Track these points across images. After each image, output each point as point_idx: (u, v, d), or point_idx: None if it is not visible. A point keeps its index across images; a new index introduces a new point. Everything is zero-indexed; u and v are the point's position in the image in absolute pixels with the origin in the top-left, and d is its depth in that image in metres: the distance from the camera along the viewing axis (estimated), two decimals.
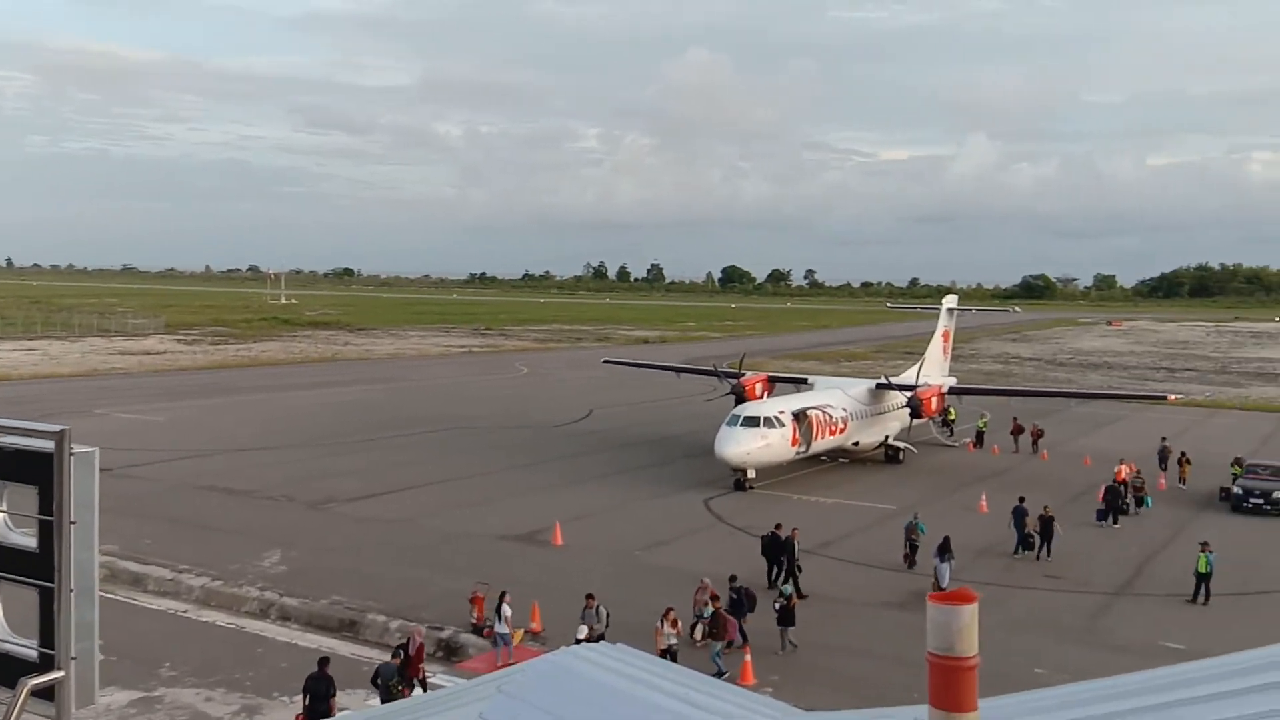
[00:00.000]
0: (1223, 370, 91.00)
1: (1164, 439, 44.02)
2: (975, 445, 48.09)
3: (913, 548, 28.20)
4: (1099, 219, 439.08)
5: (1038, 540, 29.23)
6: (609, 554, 28.77)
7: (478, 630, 22.00)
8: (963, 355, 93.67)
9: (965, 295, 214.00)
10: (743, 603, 21.91)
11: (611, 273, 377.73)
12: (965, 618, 4.70)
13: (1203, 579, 25.15)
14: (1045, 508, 29.95)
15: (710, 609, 21.53)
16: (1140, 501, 35.72)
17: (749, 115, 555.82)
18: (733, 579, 22.75)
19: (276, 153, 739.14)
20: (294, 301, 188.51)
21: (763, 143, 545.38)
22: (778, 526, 26.82)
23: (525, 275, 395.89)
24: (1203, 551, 25.44)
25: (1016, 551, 29.46)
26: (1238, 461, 39.72)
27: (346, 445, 44.78)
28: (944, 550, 26.09)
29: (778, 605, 21.77)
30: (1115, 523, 33.35)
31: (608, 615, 20.82)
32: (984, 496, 35.41)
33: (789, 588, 22.43)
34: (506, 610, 20.93)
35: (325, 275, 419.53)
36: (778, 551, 26.14)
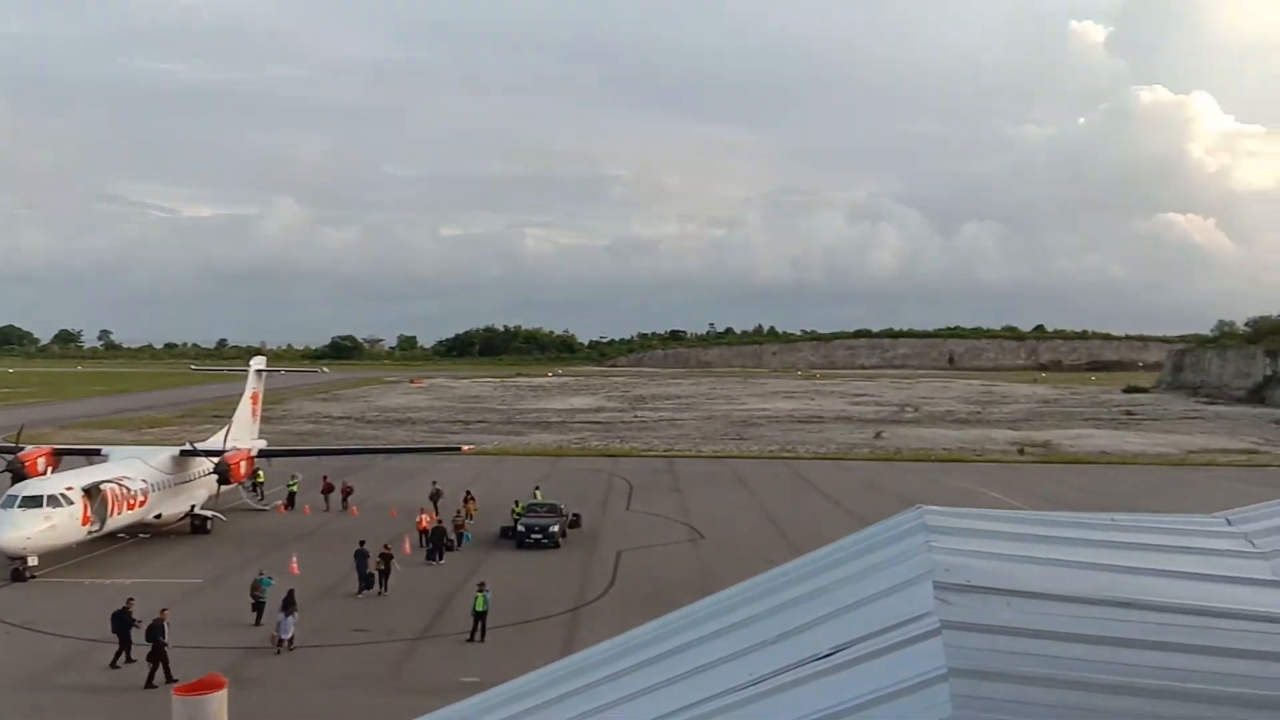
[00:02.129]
0: (509, 421, 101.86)
1: (435, 482, 48.46)
2: (287, 507, 47.81)
3: (259, 604, 28.64)
4: (401, 283, 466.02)
5: (378, 578, 31.97)
6: None
7: None
8: (274, 417, 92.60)
9: (276, 356, 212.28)
10: None
11: None
12: (213, 706, 4.78)
13: (480, 617, 27.62)
14: (385, 546, 33.19)
15: None
16: (460, 538, 39.46)
17: (28, 159, 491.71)
18: None
19: None
20: None
21: (46, 190, 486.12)
22: (130, 600, 25.48)
23: None
24: (480, 591, 28.03)
25: (360, 591, 31.76)
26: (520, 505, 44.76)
27: None
28: (288, 604, 26.54)
29: None
30: (441, 559, 36.66)
31: None
32: (295, 558, 35.37)
33: None
34: None
35: None
36: (129, 628, 24.67)
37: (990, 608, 5.54)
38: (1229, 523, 6.47)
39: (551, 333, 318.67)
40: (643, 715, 5.58)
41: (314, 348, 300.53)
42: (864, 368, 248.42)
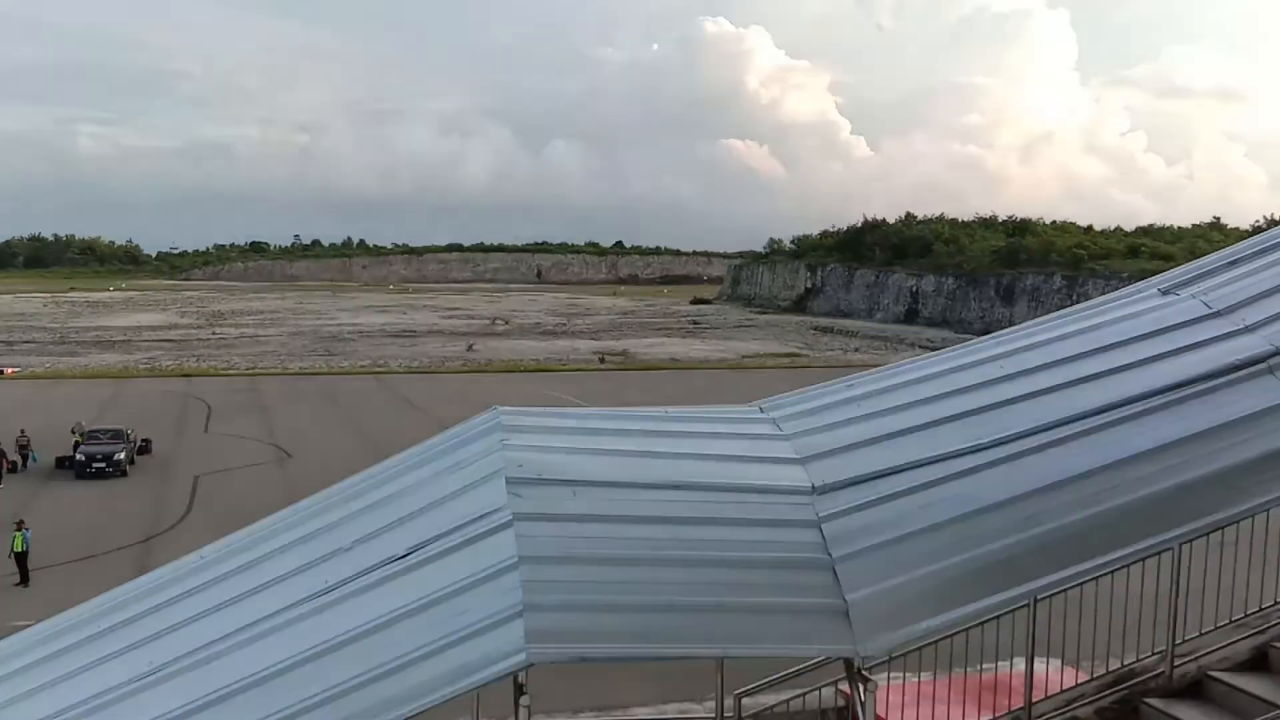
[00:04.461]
0: (62, 340, 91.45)
1: None
2: None
3: None
4: None
5: None
6: None
7: None
8: None
9: None
10: None
11: None
12: None
13: (21, 558, 24.88)
14: None
15: None
16: (26, 459, 37.27)
17: None
18: None
19: None
20: None
21: None
22: None
23: None
24: (19, 530, 25.18)
25: None
26: (77, 429, 40.40)
27: None
28: None
29: None
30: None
31: None
32: None
33: None
34: None
35: None
36: None
37: (558, 498, 5.91)
38: (761, 410, 7.32)
39: (112, 243, 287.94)
40: (207, 635, 5.38)
41: None
42: (456, 282, 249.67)
